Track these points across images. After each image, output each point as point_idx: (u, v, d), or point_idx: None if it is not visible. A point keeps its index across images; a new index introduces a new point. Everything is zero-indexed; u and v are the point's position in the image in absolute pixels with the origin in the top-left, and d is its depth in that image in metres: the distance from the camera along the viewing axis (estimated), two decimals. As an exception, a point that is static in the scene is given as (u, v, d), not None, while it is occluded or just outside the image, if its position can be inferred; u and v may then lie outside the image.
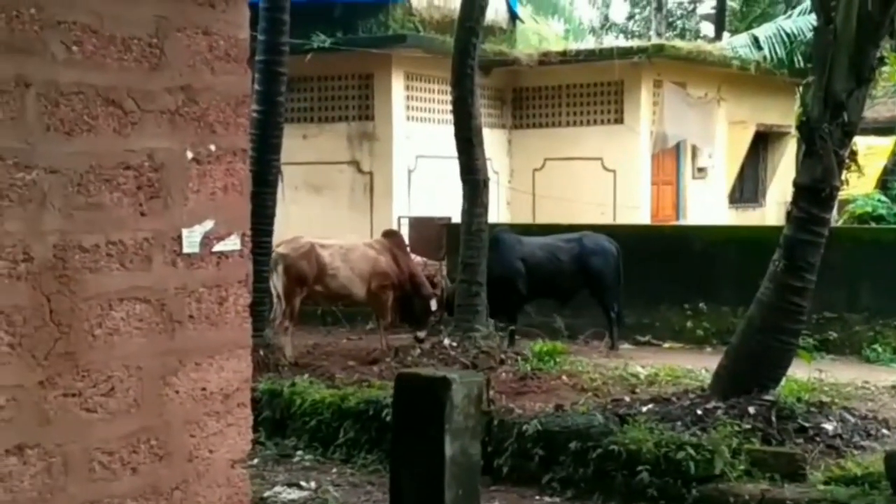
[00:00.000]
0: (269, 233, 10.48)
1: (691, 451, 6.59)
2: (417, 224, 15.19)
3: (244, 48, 2.83)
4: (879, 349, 11.51)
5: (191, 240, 2.74)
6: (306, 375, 9.42)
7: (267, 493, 7.11)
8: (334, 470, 7.78)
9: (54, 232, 2.44)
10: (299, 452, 8.18)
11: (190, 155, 2.72)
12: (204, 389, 2.81)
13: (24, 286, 2.39)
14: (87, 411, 2.54)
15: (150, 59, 2.60)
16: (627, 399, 8.41)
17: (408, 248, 12.69)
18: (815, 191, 7.67)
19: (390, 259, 11.56)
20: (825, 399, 8.10)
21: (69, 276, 2.47)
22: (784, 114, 20.51)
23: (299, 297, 11.11)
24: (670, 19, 29.66)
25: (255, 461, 7.53)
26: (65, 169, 2.45)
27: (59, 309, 2.46)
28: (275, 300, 10.91)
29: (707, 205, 18.88)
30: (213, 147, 2.77)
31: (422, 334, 11.39)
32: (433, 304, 11.58)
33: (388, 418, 7.38)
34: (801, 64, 17.27)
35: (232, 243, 2.85)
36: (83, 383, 2.53)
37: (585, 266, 12.10)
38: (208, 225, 2.78)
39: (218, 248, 2.81)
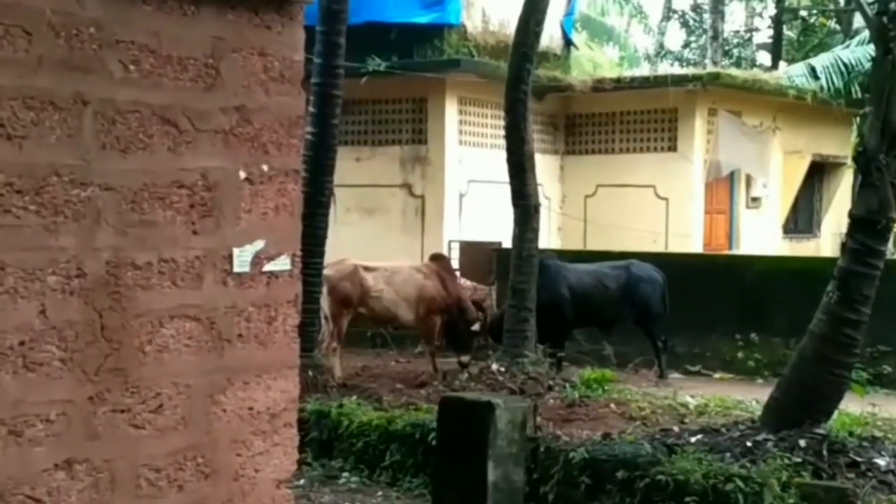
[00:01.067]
0: (321, 254, 10.53)
1: (740, 484, 6.50)
2: (468, 248, 15.19)
3: (298, 70, 2.85)
4: (935, 384, 11.31)
5: (241, 259, 2.76)
6: (354, 397, 9.44)
7: (312, 514, 7.12)
8: (380, 493, 7.77)
9: (108, 248, 2.47)
10: (345, 474, 8.18)
11: (243, 175, 2.74)
12: (251, 408, 2.82)
13: (77, 302, 2.41)
14: (136, 427, 2.55)
15: (205, 79, 2.62)
16: (676, 429, 8.31)
17: (455, 272, 12.69)
18: (870, 222, 7.56)
19: (438, 283, 11.57)
20: (878, 434, 7.94)
21: (121, 293, 2.49)
22: (840, 144, 20.28)
23: (345, 318, 11.16)
24: (726, 48, 29.49)
25: (302, 482, 7.54)
26: (119, 186, 2.48)
27: (110, 325, 2.48)
28: (322, 321, 10.97)
29: (761, 235, 18.69)
30: (265, 167, 2.79)
31: (465, 359, 11.38)
32: (476, 327, 11.57)
33: (436, 433, 7.37)
34: (859, 94, 17.09)
35: (282, 263, 2.86)
36: (132, 399, 2.55)
37: (632, 294, 12.04)
38: (259, 245, 2.79)
39: (268, 267, 2.83)
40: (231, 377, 2.77)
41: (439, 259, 12.36)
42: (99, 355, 2.47)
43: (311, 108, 10.20)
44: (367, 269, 11.39)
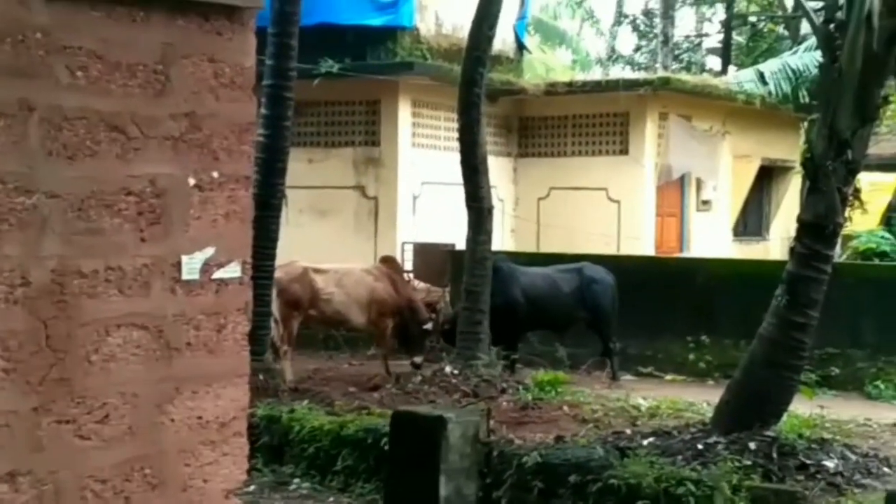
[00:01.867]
0: (272, 257, 10.49)
1: (691, 487, 6.55)
2: (421, 250, 15.19)
3: (250, 76, 2.82)
4: (882, 386, 11.48)
5: (190, 266, 2.72)
6: (305, 401, 9.39)
7: (263, 520, 7.06)
8: (331, 499, 7.73)
9: (53, 257, 2.42)
10: (296, 480, 8.13)
11: (192, 181, 2.70)
12: (200, 418, 2.78)
13: (21, 311, 2.37)
14: (81, 438, 2.51)
15: (154, 86, 2.59)
16: (628, 432, 8.37)
17: (405, 274, 12.69)
18: (818, 227, 7.66)
19: (389, 286, 11.55)
20: (827, 436, 8.05)
21: (67, 302, 2.45)
22: (789, 149, 20.53)
23: (295, 320, 11.11)
24: (677, 52, 29.74)
25: (252, 488, 7.48)
26: (66, 194, 2.44)
27: (55, 334, 2.43)
28: (272, 324, 10.91)
29: (711, 237, 18.87)
30: (215, 174, 2.75)
31: (419, 359, 11.40)
32: (428, 327, 11.57)
33: (388, 447, 7.35)
34: (806, 99, 17.31)
35: (232, 271, 2.83)
36: (78, 410, 2.50)
37: (585, 296, 12.11)
38: (209, 252, 2.76)
39: (218, 275, 2.79)
40: (179, 386, 2.73)
41: (389, 261, 12.36)
42: (43, 365, 2.42)
43: (262, 110, 10.15)
44: (316, 271, 11.35)
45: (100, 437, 2.53)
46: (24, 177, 2.36)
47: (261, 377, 9.68)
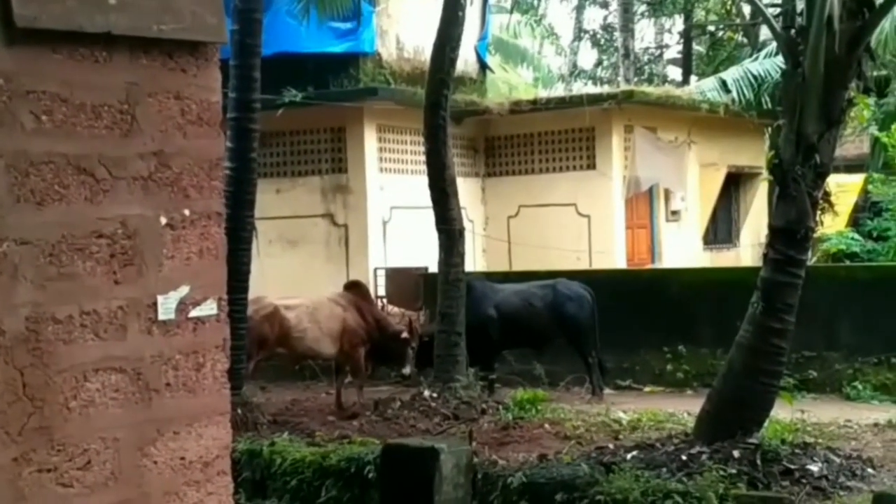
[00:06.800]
0: (245, 290, 10.40)
1: (679, 499, 6.55)
2: (394, 275, 15.16)
3: (216, 111, 2.80)
4: (860, 386, 11.54)
5: (166, 306, 2.69)
6: (286, 433, 9.32)
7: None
8: (317, 529, 7.68)
9: (27, 304, 2.39)
10: (281, 513, 8.07)
11: (164, 220, 2.68)
12: (183, 459, 2.75)
13: (-4, 361, 2.33)
14: (64, 486, 2.47)
15: (121, 126, 2.56)
16: (611, 446, 8.36)
17: (371, 297, 12.58)
18: (790, 233, 7.70)
19: (356, 314, 11.44)
20: (809, 440, 8.08)
21: (42, 349, 2.42)
22: (754, 155, 20.69)
23: (255, 359, 10.93)
24: (638, 65, 29.94)
25: (237, 523, 7.40)
26: (36, 240, 2.40)
27: (32, 383, 2.40)
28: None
29: (682, 247, 18.96)
30: (187, 212, 2.73)
31: (407, 370, 11.33)
32: (405, 335, 11.47)
33: (371, 475, 7.32)
34: (770, 105, 17.44)
35: (208, 308, 2.80)
36: (59, 458, 2.46)
37: (560, 313, 12.08)
38: (184, 290, 2.72)
39: (194, 313, 2.76)
40: (161, 428, 2.69)
41: (354, 287, 12.16)
42: (22, 415, 2.38)
43: (228, 143, 10.10)
44: (287, 308, 11.17)
45: (82, 484, 2.49)
46: (-8, 224, 2.32)
47: (239, 411, 9.59)
